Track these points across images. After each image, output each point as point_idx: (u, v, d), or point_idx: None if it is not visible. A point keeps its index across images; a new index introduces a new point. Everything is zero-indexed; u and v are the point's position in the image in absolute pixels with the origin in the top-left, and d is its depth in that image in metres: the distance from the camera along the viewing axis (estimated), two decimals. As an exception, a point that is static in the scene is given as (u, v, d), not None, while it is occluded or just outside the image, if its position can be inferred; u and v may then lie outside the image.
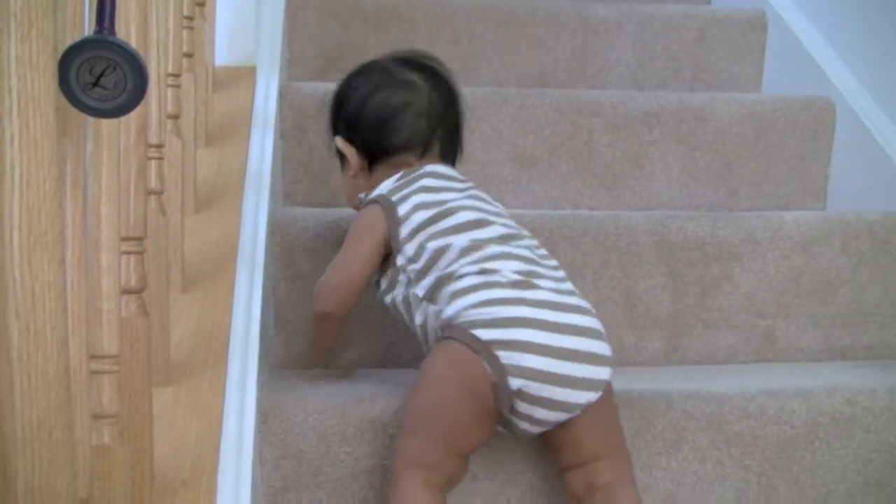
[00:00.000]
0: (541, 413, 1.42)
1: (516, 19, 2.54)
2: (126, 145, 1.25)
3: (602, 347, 1.46)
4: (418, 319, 1.52)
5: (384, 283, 1.59)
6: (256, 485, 1.45)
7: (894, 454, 1.68)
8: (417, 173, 1.61)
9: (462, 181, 1.63)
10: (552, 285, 1.47)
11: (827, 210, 2.32)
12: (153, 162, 1.44)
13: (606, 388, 1.46)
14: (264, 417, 1.53)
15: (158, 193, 1.46)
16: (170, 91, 1.59)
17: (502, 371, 1.38)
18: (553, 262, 1.54)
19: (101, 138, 1.11)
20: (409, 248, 1.53)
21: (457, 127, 1.72)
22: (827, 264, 1.96)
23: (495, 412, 1.41)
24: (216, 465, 1.34)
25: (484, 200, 1.60)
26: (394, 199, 1.57)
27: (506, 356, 1.38)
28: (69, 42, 0.91)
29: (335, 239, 1.82)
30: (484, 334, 1.39)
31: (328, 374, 1.77)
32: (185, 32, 1.74)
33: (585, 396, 1.42)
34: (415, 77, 1.69)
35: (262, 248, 1.72)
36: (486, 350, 1.39)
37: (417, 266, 1.51)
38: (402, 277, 1.55)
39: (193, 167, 1.74)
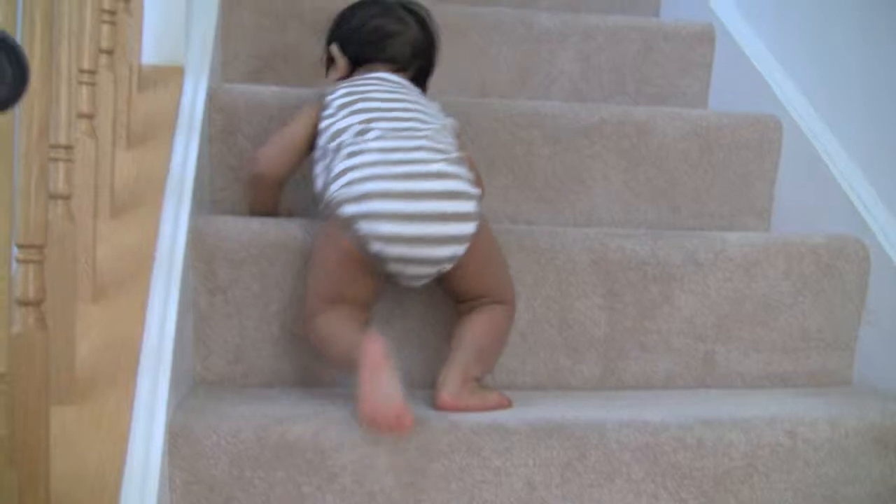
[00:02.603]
0: (410, 269, 1.65)
1: (460, 27, 2.47)
2: (27, 146, 1.17)
3: (460, 206, 1.65)
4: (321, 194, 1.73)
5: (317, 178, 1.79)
6: (163, 511, 1.36)
7: (835, 489, 1.62)
8: (363, 76, 1.91)
9: (397, 82, 1.88)
10: (416, 159, 1.67)
11: (771, 230, 2.27)
12: (60, 164, 1.35)
13: (477, 239, 1.65)
14: (174, 439, 1.44)
15: (66, 198, 1.37)
16: (84, 89, 1.51)
17: (361, 239, 1.61)
18: (440, 145, 1.72)
19: (-7, 138, 1.02)
20: (324, 123, 1.78)
21: (430, 67, 2.04)
22: (769, 287, 1.91)
23: (372, 267, 1.64)
24: (118, 492, 1.26)
25: (409, 101, 1.82)
26: (329, 88, 1.86)
27: (365, 226, 1.61)
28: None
29: (259, 249, 1.74)
30: (348, 209, 1.62)
31: (247, 393, 1.69)
32: (105, 27, 1.66)
33: (449, 251, 1.64)
34: (408, 17, 2.00)
35: (181, 257, 1.63)
36: (347, 224, 1.62)
37: (328, 134, 1.76)
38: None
39: (111, 170, 1.65)
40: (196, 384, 1.74)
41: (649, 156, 2.21)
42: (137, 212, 1.69)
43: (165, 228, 1.67)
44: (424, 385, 1.69)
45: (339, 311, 1.65)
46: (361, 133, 1.72)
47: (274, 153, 1.87)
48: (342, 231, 1.63)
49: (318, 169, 1.75)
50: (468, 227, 1.65)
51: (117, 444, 1.32)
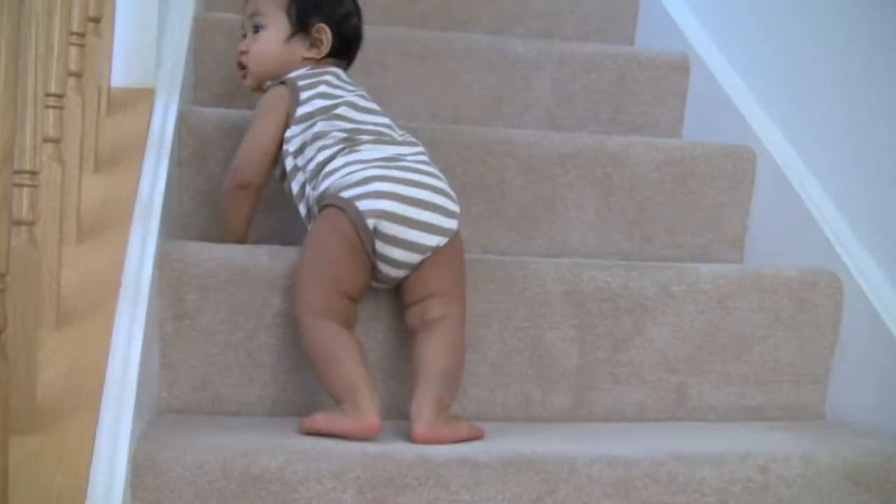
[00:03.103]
0: (396, 253, 1.68)
1: (432, 52, 2.46)
2: (-11, 173, 1.14)
3: (449, 203, 1.73)
4: (303, 196, 1.81)
5: (282, 170, 1.86)
6: (123, 545, 1.33)
7: (807, 527, 1.61)
8: (323, 70, 1.91)
9: (354, 84, 1.92)
10: (411, 163, 1.75)
11: (744, 261, 2.26)
12: (25, 189, 1.32)
13: (453, 239, 1.72)
14: (137, 471, 1.41)
15: (30, 224, 1.34)
16: (51, 112, 1.48)
17: (360, 215, 1.66)
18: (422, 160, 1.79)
19: (-46, 164, 1.00)
20: (297, 128, 1.82)
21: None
22: (743, 320, 1.89)
23: (364, 253, 1.67)
24: (78, 525, 1.23)
25: (368, 101, 1.89)
26: (300, 83, 1.86)
27: (363, 204, 1.66)
28: None
29: (226, 276, 1.73)
30: (347, 193, 1.68)
31: (213, 422, 1.66)
32: (73, 50, 1.63)
33: (434, 240, 1.69)
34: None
35: (147, 283, 1.60)
36: (348, 204, 1.67)
37: (301, 140, 1.81)
38: (289, 162, 1.83)
39: (77, 195, 1.63)
40: (161, 411, 1.71)
41: (623, 185, 2.20)
42: (104, 236, 1.66)
43: (132, 253, 1.64)
44: (389, 416, 1.69)
45: (336, 317, 1.65)
46: (350, 139, 1.78)
47: (254, 158, 1.86)
48: (341, 213, 1.67)
49: (298, 170, 1.81)
50: (453, 223, 1.72)
51: (79, 474, 1.29)
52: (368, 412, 1.56)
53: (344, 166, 1.73)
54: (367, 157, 1.74)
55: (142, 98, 2.00)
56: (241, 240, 1.89)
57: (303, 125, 1.82)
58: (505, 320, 1.80)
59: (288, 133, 1.83)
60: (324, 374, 1.62)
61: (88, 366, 1.44)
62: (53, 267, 1.46)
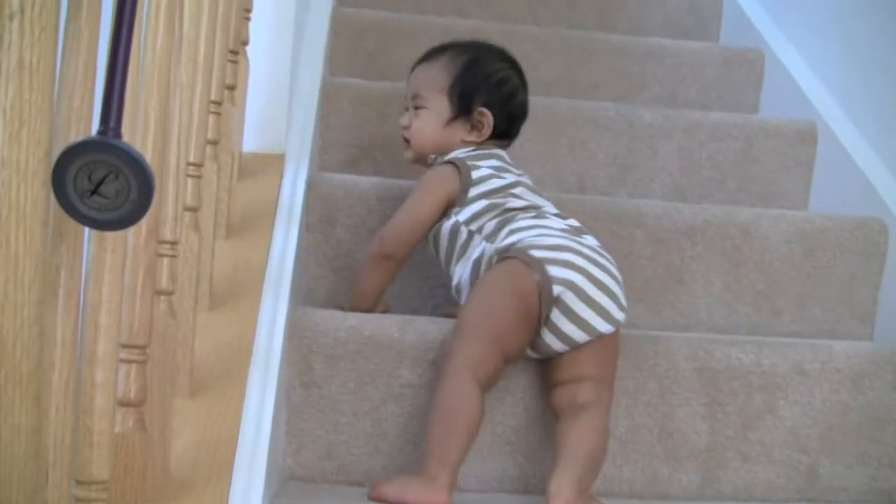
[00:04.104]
0: (569, 328, 1.66)
1: (558, 119, 2.45)
2: (135, 245, 1.16)
3: (622, 295, 1.71)
4: (472, 253, 1.79)
5: (443, 225, 1.85)
6: None
7: None
8: (488, 151, 1.91)
9: (518, 169, 1.91)
10: (592, 244, 1.74)
11: (875, 337, 2.20)
12: (165, 260, 1.34)
13: (616, 333, 1.70)
14: (267, 541, 1.41)
15: (169, 294, 1.35)
16: (189, 182, 1.50)
17: (548, 279, 1.65)
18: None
19: (106, 240, 1.01)
20: (476, 207, 1.82)
21: None
22: (877, 399, 1.85)
23: (536, 318, 1.65)
24: None
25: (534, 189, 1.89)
26: (469, 163, 1.85)
27: (553, 269, 1.65)
28: (70, 142, 0.81)
29: (356, 345, 1.73)
30: (537, 253, 1.67)
31: (338, 492, 1.66)
32: (211, 118, 1.65)
33: (605, 327, 1.67)
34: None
35: (279, 352, 1.60)
36: (537, 264, 1.66)
37: (474, 210, 1.81)
38: (453, 219, 1.84)
39: (210, 262, 1.64)
40: (286, 479, 1.71)
41: (752, 258, 2.17)
42: (236, 304, 1.67)
43: (263, 321, 1.65)
44: (515, 490, 1.69)
45: (485, 375, 1.64)
46: (533, 207, 1.81)
47: (405, 232, 1.87)
48: (527, 269, 1.66)
49: (474, 234, 1.80)
50: (622, 316, 1.70)
51: (212, 544, 1.29)
52: (443, 491, 1.54)
53: (534, 227, 1.73)
54: (555, 226, 1.75)
55: (272, 163, 2.02)
56: (370, 308, 1.89)
57: (476, 205, 1.82)
58: (634, 396, 1.77)
59: (459, 216, 1.83)
60: (431, 432, 1.60)
61: (220, 434, 1.45)
62: (188, 335, 1.47)
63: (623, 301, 1.70)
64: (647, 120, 2.50)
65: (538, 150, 2.42)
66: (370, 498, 1.59)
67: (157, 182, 1.15)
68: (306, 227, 2.05)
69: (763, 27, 2.98)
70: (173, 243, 1.35)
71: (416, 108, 1.96)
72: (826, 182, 2.52)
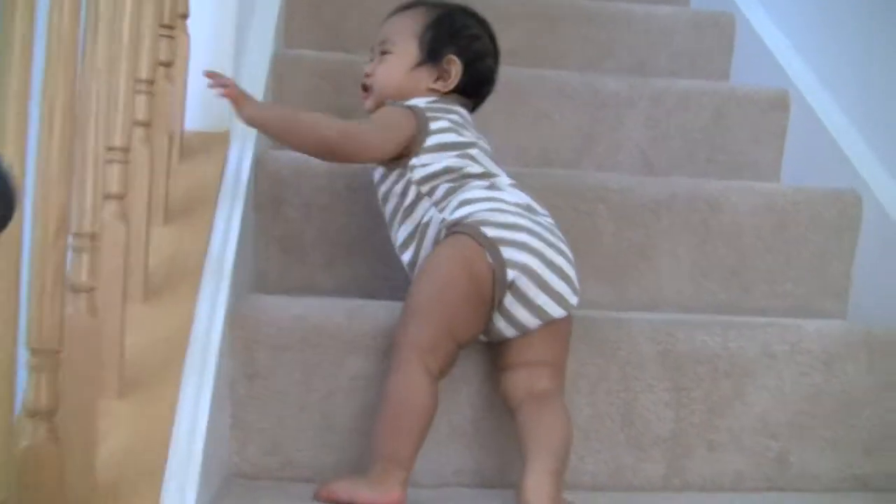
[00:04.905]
0: (522, 313, 1.59)
1: (522, 89, 2.36)
2: (41, 244, 1.07)
3: (575, 277, 1.63)
4: (418, 216, 1.71)
5: (391, 178, 1.76)
6: None
7: None
8: (449, 105, 1.82)
9: (478, 131, 1.83)
10: (546, 224, 1.66)
11: (849, 314, 2.13)
12: (84, 255, 1.25)
13: (568, 317, 1.63)
14: (201, 550, 1.33)
15: (89, 290, 1.26)
16: (115, 167, 1.40)
17: (502, 262, 1.57)
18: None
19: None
20: (427, 158, 1.73)
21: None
22: (850, 383, 1.77)
23: (489, 302, 1.58)
24: None
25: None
26: (428, 114, 1.76)
27: (507, 251, 1.58)
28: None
29: (301, 333, 1.65)
30: (490, 232, 1.59)
31: (283, 489, 1.58)
32: (140, 98, 1.55)
33: (558, 311, 1.60)
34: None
35: (216, 345, 1.51)
36: (490, 244, 1.58)
37: (429, 171, 1.72)
38: (407, 175, 1.73)
39: (144, 251, 1.55)
40: (231, 475, 1.63)
41: (721, 232, 2.08)
42: (173, 294, 1.58)
43: (202, 312, 1.56)
44: (472, 483, 1.64)
45: (438, 361, 1.56)
46: (487, 174, 1.73)
47: (363, 150, 1.74)
48: (480, 251, 1.58)
49: (422, 197, 1.72)
50: (575, 300, 1.63)
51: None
52: (396, 489, 1.49)
53: (487, 200, 1.66)
54: (510, 200, 1.67)
55: (217, 142, 1.93)
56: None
57: (431, 156, 1.73)
58: (596, 383, 1.70)
59: (414, 161, 1.73)
60: (382, 427, 1.53)
61: (152, 436, 1.36)
62: (116, 332, 1.39)
63: (577, 284, 1.63)
64: (613, 88, 2.41)
65: (500, 121, 2.32)
66: (318, 498, 1.51)
67: (62, 167, 1.06)
68: (255, 208, 1.96)
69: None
70: (93, 236, 1.26)
71: (383, 52, 1.88)
72: (799, 153, 2.44)
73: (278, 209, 1.97)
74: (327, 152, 1.75)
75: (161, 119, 1.68)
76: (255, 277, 1.96)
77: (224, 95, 1.70)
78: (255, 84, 2.10)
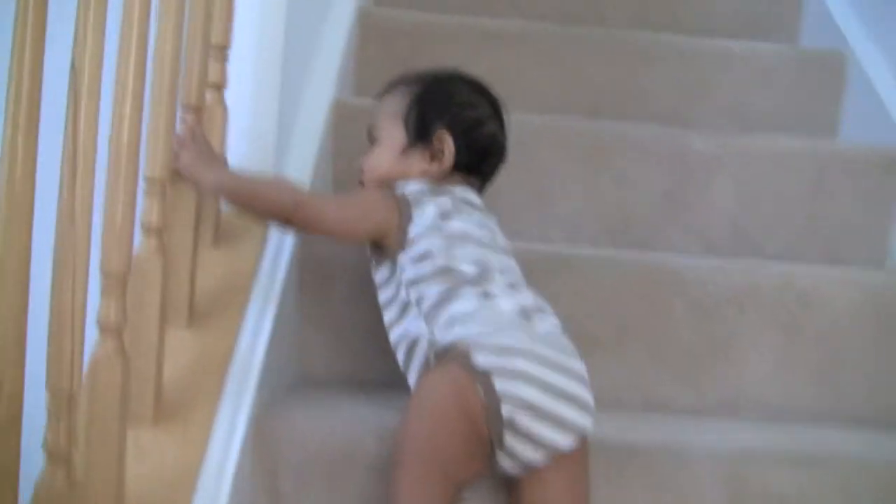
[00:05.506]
0: (526, 451, 1.43)
1: (603, 146, 2.17)
2: None
3: (585, 393, 1.46)
4: (410, 328, 1.55)
5: (383, 272, 1.63)
6: None
7: None
8: (443, 187, 1.66)
9: (483, 212, 1.67)
10: (552, 321, 1.53)
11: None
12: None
13: (583, 442, 1.46)
14: None
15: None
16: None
17: (496, 397, 1.41)
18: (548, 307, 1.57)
19: None
20: (414, 251, 1.58)
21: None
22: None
23: (487, 441, 1.43)
24: None
25: (497, 234, 1.66)
26: (412, 200, 1.62)
27: (500, 383, 1.41)
28: None
29: (329, 458, 1.53)
30: (482, 359, 1.43)
31: None
32: (149, 201, 1.41)
33: (567, 441, 1.44)
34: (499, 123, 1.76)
35: (229, 483, 1.38)
36: (481, 376, 1.42)
37: (419, 272, 1.56)
38: (399, 273, 1.59)
39: (156, 374, 1.40)
40: None
41: (813, 329, 1.88)
42: (188, 415, 1.43)
43: (216, 440, 1.41)
44: None
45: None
46: (482, 275, 1.55)
47: (322, 225, 1.61)
48: (471, 382, 1.42)
49: (410, 307, 1.56)
50: (588, 421, 1.46)
51: None
52: None
53: (478, 314, 1.49)
54: (505, 308, 1.51)
55: (252, 227, 1.75)
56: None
57: (417, 247, 1.58)
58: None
59: (401, 257, 1.59)
60: None
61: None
62: (113, 462, 1.24)
63: (588, 400, 1.46)
64: (699, 147, 2.20)
65: (578, 184, 2.14)
66: None
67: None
68: (299, 288, 1.80)
69: (847, 27, 2.66)
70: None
71: (372, 143, 1.74)
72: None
73: (326, 292, 1.82)
74: (284, 219, 1.60)
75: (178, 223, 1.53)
76: (298, 367, 1.81)
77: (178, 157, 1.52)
78: (308, 142, 1.96)
